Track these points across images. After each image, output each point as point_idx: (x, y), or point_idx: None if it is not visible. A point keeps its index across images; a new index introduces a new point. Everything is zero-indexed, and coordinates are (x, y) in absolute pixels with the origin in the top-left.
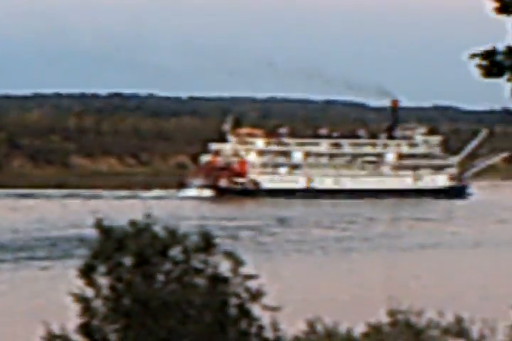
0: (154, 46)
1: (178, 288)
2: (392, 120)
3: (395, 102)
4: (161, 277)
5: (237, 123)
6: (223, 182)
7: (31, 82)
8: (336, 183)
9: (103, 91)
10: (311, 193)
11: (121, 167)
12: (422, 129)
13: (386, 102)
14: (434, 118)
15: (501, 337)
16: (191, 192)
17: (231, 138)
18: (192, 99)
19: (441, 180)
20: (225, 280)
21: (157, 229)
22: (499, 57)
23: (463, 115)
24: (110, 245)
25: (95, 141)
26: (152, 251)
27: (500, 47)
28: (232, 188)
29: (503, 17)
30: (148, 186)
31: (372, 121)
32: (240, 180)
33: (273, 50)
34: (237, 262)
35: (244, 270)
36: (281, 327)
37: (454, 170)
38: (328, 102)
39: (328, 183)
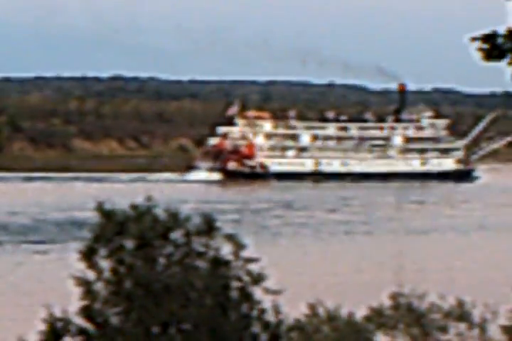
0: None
1: (179, 271)
2: (399, 103)
3: (402, 86)
4: (162, 260)
5: (245, 107)
6: (232, 166)
7: (32, 65)
8: (344, 166)
9: (104, 74)
10: (318, 176)
11: (122, 150)
12: (429, 112)
13: (389, 85)
14: (434, 101)
15: (503, 321)
16: (200, 175)
17: (239, 121)
18: (193, 82)
19: (448, 164)
20: (226, 264)
21: (159, 212)
22: (500, 41)
23: (464, 98)
24: (111, 228)
25: (96, 124)
26: (153, 234)
27: (501, 30)
28: (241, 171)
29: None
30: (156, 169)
31: (374, 104)
32: (248, 163)
33: (269, 32)
34: (239, 245)
35: (246, 253)
36: (283, 311)
37: (460, 154)
38: (329, 85)
39: (335, 166)
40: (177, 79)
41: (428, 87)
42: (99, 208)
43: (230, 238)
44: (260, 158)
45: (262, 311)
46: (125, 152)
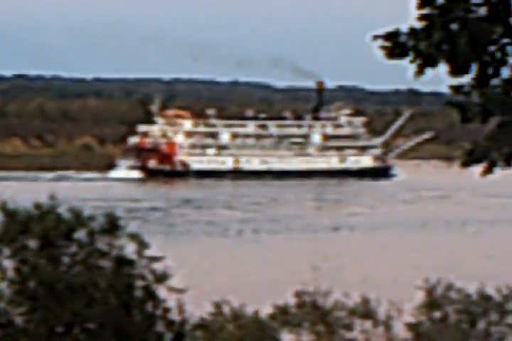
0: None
1: (83, 271)
2: (318, 101)
3: (320, 83)
4: (66, 259)
5: (165, 105)
6: (152, 164)
7: None
8: (263, 164)
9: (8, 72)
10: (238, 174)
11: (25, 148)
12: (347, 110)
13: (294, 83)
14: (338, 98)
15: (407, 318)
16: (120, 173)
17: (159, 119)
18: (97, 80)
19: (366, 161)
20: (130, 263)
21: (62, 211)
22: (402, 39)
23: (368, 96)
24: (14, 228)
25: (0, 123)
26: (57, 234)
27: (404, 28)
28: (161, 169)
29: None
30: (60, 168)
31: (278, 102)
32: (169, 161)
33: (161, 27)
34: (142, 244)
35: (150, 252)
36: (187, 309)
37: (377, 151)
38: (234, 83)
39: (255, 164)
40: (81, 78)
41: (332, 84)
42: (2, 207)
43: (134, 237)
44: (180, 156)
45: (167, 310)
46: (29, 151)
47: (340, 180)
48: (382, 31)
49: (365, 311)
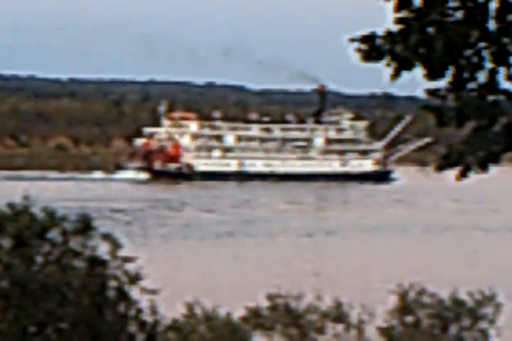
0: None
1: (56, 271)
2: (320, 105)
3: (322, 87)
4: (39, 259)
5: (171, 108)
6: (158, 165)
7: None
8: (267, 167)
9: None
10: (243, 176)
11: (0, 148)
12: (349, 114)
13: (269, 86)
14: (315, 101)
15: (380, 322)
16: (127, 174)
17: (165, 121)
18: (72, 80)
19: (367, 165)
20: (103, 263)
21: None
22: (378, 42)
23: (344, 99)
24: None
25: None
26: (30, 233)
27: (380, 31)
28: (167, 171)
29: (382, 1)
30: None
31: (254, 105)
32: (175, 163)
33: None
34: (116, 244)
35: (123, 252)
36: (160, 311)
37: (378, 155)
38: (209, 85)
39: (258, 167)
40: (56, 78)
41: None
42: None
43: (107, 237)
44: (186, 158)
45: (139, 311)
46: (3, 151)
47: (342, 183)
48: (358, 34)
49: (338, 315)
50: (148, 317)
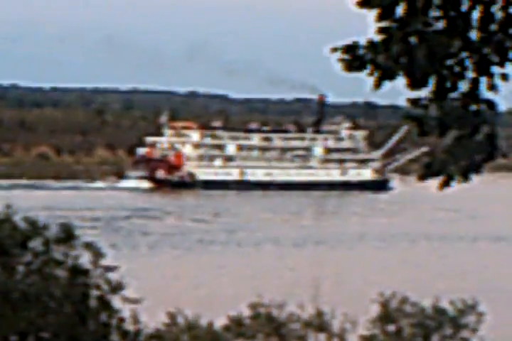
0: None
1: (38, 280)
2: (319, 114)
3: (321, 97)
4: (21, 268)
5: (173, 117)
6: (160, 174)
7: None
8: (268, 176)
9: None
10: (244, 185)
11: None
12: (347, 124)
13: (251, 95)
14: (296, 110)
15: (362, 331)
16: (130, 183)
17: (167, 131)
18: (55, 89)
19: (366, 174)
20: (85, 272)
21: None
22: (361, 51)
23: (327, 108)
24: None
25: None
26: (12, 243)
27: (362, 41)
28: (169, 180)
29: (364, 11)
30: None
31: (236, 114)
32: (177, 172)
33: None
34: (98, 254)
35: (105, 262)
36: (142, 320)
37: (377, 164)
38: (191, 94)
39: (259, 176)
40: (38, 87)
41: (290, 97)
42: None
43: (89, 246)
44: (188, 167)
45: (121, 320)
46: None
47: (341, 192)
48: (340, 44)
49: (320, 323)
50: (130, 327)
